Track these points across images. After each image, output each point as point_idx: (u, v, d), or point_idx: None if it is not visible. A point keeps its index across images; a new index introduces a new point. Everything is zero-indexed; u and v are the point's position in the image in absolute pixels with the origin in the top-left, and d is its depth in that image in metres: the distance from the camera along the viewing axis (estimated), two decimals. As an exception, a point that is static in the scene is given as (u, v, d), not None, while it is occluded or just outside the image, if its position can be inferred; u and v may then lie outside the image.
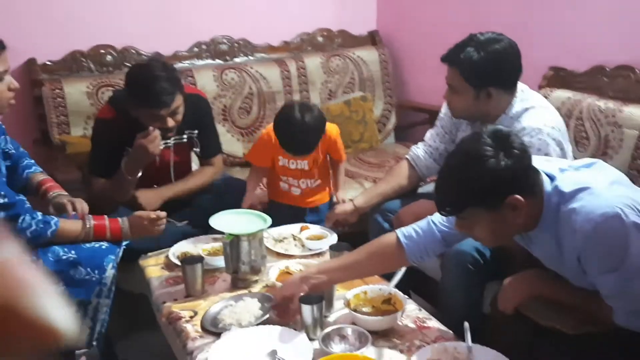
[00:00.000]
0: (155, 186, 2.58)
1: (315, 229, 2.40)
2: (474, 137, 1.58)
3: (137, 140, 2.35)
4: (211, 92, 3.29)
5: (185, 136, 2.63)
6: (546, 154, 2.02)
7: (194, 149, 2.70)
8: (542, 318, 1.68)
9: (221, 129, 3.24)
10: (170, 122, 2.40)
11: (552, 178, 1.58)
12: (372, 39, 3.97)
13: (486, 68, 2.05)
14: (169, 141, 2.57)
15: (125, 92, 2.47)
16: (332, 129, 2.53)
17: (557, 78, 2.80)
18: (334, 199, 2.60)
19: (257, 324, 1.80)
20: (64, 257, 2.02)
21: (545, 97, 2.52)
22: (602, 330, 1.59)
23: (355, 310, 1.81)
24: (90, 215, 2.17)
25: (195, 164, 2.84)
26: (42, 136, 2.91)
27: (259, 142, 2.60)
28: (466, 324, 1.67)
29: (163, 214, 2.24)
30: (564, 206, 1.53)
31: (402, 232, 1.81)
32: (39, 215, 2.05)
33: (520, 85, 2.17)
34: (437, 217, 1.79)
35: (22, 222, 1.98)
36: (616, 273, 1.48)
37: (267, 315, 1.83)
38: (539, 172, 1.57)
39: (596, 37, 2.69)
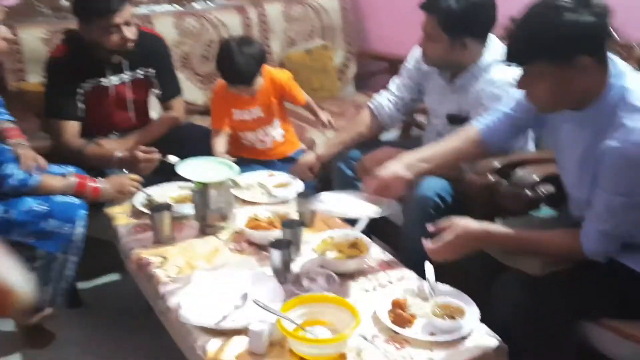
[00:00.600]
0: (114, 132, 2.61)
1: (281, 177, 2.44)
2: None
3: (142, 164, 2.36)
4: (171, 39, 3.25)
5: (141, 72, 2.63)
6: None
7: (153, 89, 2.71)
8: (506, 259, 1.73)
9: (181, 76, 3.20)
10: (127, 32, 2.40)
11: (621, 74, 1.56)
12: (333, -14, 3.94)
13: (464, 18, 2.09)
14: (124, 76, 2.58)
15: (77, 27, 2.46)
16: (280, 74, 2.63)
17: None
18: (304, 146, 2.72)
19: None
20: (36, 209, 2.03)
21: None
22: (565, 269, 1.65)
23: (322, 254, 1.88)
24: (72, 171, 2.18)
25: (154, 112, 2.83)
26: (-2, 83, 2.85)
27: (213, 102, 2.67)
28: (428, 263, 1.76)
29: (140, 179, 2.28)
30: (621, 112, 1.51)
31: (480, 123, 1.95)
32: None
33: (491, 36, 2.21)
34: (509, 108, 1.89)
35: (5, 168, 1.98)
36: (622, 198, 1.52)
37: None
38: (608, 56, 1.55)
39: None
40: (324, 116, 2.70)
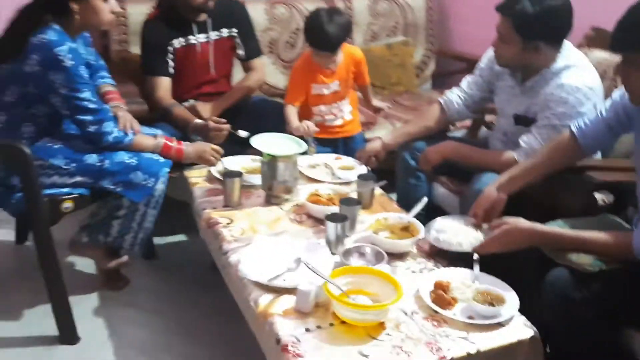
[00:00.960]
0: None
1: (347, 160, 2.59)
2: None
3: (212, 133, 2.57)
4: (260, 24, 3.46)
5: (224, 32, 2.87)
6: (578, 112, 2.13)
7: (237, 51, 2.93)
8: (556, 256, 1.77)
9: (267, 60, 3.42)
10: None
11: None
12: (421, -15, 4.04)
13: (538, 22, 2.12)
14: (209, 35, 2.82)
15: None
16: (358, 51, 2.86)
17: (598, 39, 2.83)
18: (365, 136, 2.87)
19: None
20: (127, 161, 2.25)
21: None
22: (617, 266, 1.68)
23: (374, 233, 2.01)
24: (162, 134, 2.41)
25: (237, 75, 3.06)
26: (103, 51, 3.11)
27: (292, 77, 2.85)
28: (476, 255, 1.85)
29: (221, 150, 2.48)
30: None
31: (575, 126, 2.01)
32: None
33: (566, 43, 2.24)
34: (603, 110, 1.96)
35: (106, 126, 2.22)
36: None
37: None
38: None
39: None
40: (377, 102, 2.91)
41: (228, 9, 2.84)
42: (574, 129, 2.02)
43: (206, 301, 2.49)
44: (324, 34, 2.59)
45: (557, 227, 1.83)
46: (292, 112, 2.73)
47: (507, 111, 2.42)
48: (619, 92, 1.94)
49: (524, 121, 2.31)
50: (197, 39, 2.81)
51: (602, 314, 1.64)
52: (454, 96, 2.60)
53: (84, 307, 2.40)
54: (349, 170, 2.50)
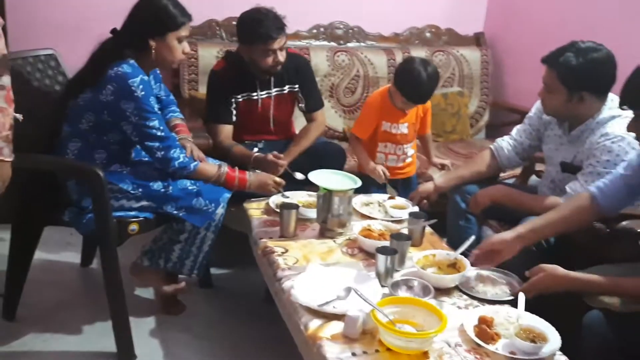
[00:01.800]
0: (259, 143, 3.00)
1: (400, 200, 2.66)
2: None
3: (269, 158, 2.73)
4: (322, 70, 3.65)
5: (286, 88, 2.99)
6: (623, 160, 2.16)
7: (299, 104, 3.06)
8: (589, 299, 1.85)
9: (327, 104, 3.57)
10: (280, 56, 2.78)
11: None
12: (477, 40, 4.18)
13: (582, 74, 2.22)
14: (270, 91, 2.95)
15: (237, 47, 2.88)
16: (428, 102, 2.91)
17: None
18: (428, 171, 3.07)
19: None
20: (190, 188, 2.39)
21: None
22: None
23: (422, 268, 2.07)
24: (225, 164, 2.55)
25: (297, 128, 3.18)
26: (174, 89, 3.32)
27: (365, 110, 2.94)
28: (521, 294, 1.89)
29: (283, 182, 2.61)
30: None
31: (594, 186, 2.06)
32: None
33: (611, 95, 2.31)
34: (621, 167, 2.02)
35: (173, 153, 2.37)
36: None
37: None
38: None
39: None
40: (438, 160, 3.01)
41: (293, 65, 2.94)
42: (593, 189, 2.05)
43: (258, 331, 2.57)
44: (420, 86, 2.68)
45: (591, 274, 1.88)
46: (363, 152, 2.86)
47: (555, 159, 2.48)
48: (637, 151, 2.00)
49: (571, 169, 2.37)
50: (259, 95, 2.95)
51: (636, 352, 1.67)
52: (505, 143, 2.68)
53: (141, 328, 2.51)
54: (401, 209, 2.57)
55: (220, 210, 2.44)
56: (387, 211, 2.56)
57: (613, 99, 2.31)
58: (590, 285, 1.84)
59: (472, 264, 2.10)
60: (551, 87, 2.30)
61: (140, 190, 2.35)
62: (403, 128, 2.88)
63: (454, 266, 2.12)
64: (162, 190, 2.36)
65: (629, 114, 2.25)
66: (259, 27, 2.71)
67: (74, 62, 2.41)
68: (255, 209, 2.58)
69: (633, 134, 2.17)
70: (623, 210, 2.14)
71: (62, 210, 2.38)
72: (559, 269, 1.90)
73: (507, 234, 2.08)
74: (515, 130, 2.69)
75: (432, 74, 2.69)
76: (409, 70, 2.70)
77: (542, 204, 2.34)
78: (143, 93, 2.24)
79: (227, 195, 2.47)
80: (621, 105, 1.73)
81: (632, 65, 1.69)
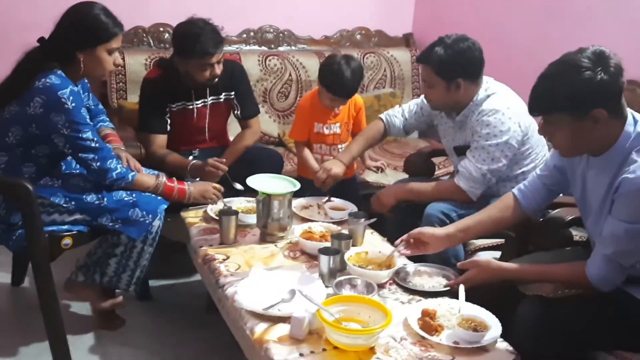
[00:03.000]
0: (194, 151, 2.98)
1: (338, 202, 2.67)
2: (577, 51, 1.70)
3: (208, 168, 2.70)
4: (254, 75, 3.62)
5: (222, 97, 2.96)
6: (501, 131, 2.36)
7: (235, 112, 3.03)
8: (522, 287, 1.94)
9: (261, 109, 3.53)
10: (217, 69, 2.74)
11: (637, 121, 1.74)
12: (407, 40, 4.27)
13: (453, 63, 2.38)
14: (206, 100, 2.91)
15: (171, 55, 2.82)
16: (359, 98, 3.02)
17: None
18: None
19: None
20: (126, 199, 2.33)
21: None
22: (577, 293, 1.82)
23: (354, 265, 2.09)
24: (163, 174, 2.49)
25: (231, 134, 3.16)
26: (102, 99, 3.22)
27: (297, 114, 2.97)
28: (461, 285, 1.94)
29: (222, 188, 2.58)
30: (636, 152, 1.68)
31: (515, 189, 2.15)
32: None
33: (485, 78, 2.49)
34: (538, 169, 2.11)
35: (110, 163, 2.30)
36: (626, 224, 1.67)
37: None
38: (625, 105, 1.73)
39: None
40: (371, 163, 3.07)
41: (228, 71, 2.88)
42: (515, 191, 2.15)
43: (201, 340, 2.53)
44: (343, 81, 2.71)
45: (522, 264, 1.97)
46: (309, 155, 2.89)
47: (450, 148, 2.66)
48: (550, 152, 2.12)
49: (462, 150, 2.53)
50: (195, 104, 2.91)
51: (570, 339, 1.73)
52: (397, 120, 2.85)
53: (80, 345, 2.43)
54: (340, 210, 2.59)
55: (157, 222, 2.38)
56: (327, 213, 2.57)
57: (487, 80, 2.50)
58: (523, 275, 1.93)
59: (395, 245, 2.18)
60: (430, 82, 2.45)
61: (72, 203, 2.27)
62: (335, 128, 2.91)
63: (385, 263, 2.15)
64: (97, 202, 2.29)
65: (502, 90, 2.47)
66: (196, 42, 2.65)
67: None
68: (193, 218, 2.54)
69: (506, 106, 2.38)
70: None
71: (-12, 227, 2.28)
72: (492, 262, 1.98)
73: (438, 231, 2.17)
74: (407, 108, 2.86)
75: (356, 68, 2.75)
76: (331, 64, 2.75)
77: (440, 189, 2.53)
78: (74, 105, 2.16)
79: (164, 206, 2.42)
80: (530, 112, 1.81)
81: (545, 64, 1.78)
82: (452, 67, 2.38)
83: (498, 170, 2.42)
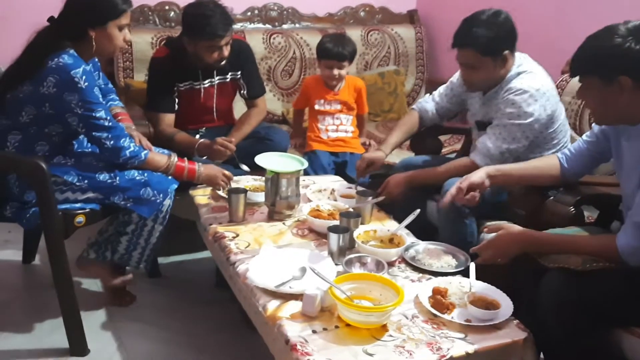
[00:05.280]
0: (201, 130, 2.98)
1: (351, 192, 2.61)
2: (618, 23, 1.74)
3: (216, 146, 2.73)
4: (259, 53, 3.62)
5: (228, 76, 2.97)
6: (525, 112, 2.33)
7: (241, 91, 3.04)
8: (547, 260, 1.84)
9: (265, 88, 3.55)
10: (225, 51, 2.75)
11: None
12: (411, 17, 4.25)
13: (498, 37, 2.33)
14: (213, 80, 2.91)
15: (179, 35, 2.82)
16: (359, 81, 3.24)
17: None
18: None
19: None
20: (138, 178, 2.34)
21: (564, 81, 2.80)
22: (605, 267, 1.78)
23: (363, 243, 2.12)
24: (175, 154, 2.50)
25: (236, 113, 3.18)
26: (109, 78, 3.20)
27: (301, 89, 3.36)
28: (472, 264, 1.96)
29: (232, 176, 2.57)
30: None
31: (560, 152, 2.17)
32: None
33: (519, 54, 2.45)
34: (585, 135, 2.12)
35: (123, 142, 2.31)
36: None
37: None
38: None
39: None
40: (363, 139, 3.25)
41: (235, 51, 2.88)
42: (559, 154, 2.17)
43: (211, 316, 2.57)
44: (340, 43, 3.05)
45: (547, 233, 1.95)
46: (297, 120, 3.36)
47: (473, 122, 2.63)
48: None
49: (484, 126, 2.51)
50: (202, 84, 2.92)
51: (593, 315, 1.73)
52: (428, 105, 2.82)
53: (92, 321, 2.47)
54: (350, 199, 2.52)
55: (167, 201, 2.40)
56: (336, 200, 2.54)
57: (521, 57, 2.46)
58: (549, 242, 1.89)
59: (445, 203, 2.16)
60: (474, 65, 2.39)
61: (85, 182, 2.29)
62: (335, 105, 3.17)
63: (393, 241, 2.18)
64: (109, 181, 2.31)
65: (534, 70, 2.43)
66: (206, 23, 2.65)
67: (7, 53, 2.30)
68: (202, 196, 2.56)
69: (535, 87, 2.34)
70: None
71: (2, 205, 2.30)
72: (516, 227, 1.97)
73: (479, 172, 2.15)
74: (437, 93, 2.82)
75: (348, 38, 3.12)
76: (326, 35, 3.03)
77: (451, 165, 2.50)
78: (87, 84, 2.17)
79: (175, 185, 2.43)
80: (572, 75, 1.84)
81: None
82: (498, 42, 2.33)
83: (516, 151, 2.39)
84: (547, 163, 2.19)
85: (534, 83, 2.36)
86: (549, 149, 2.46)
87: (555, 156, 2.18)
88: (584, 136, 2.14)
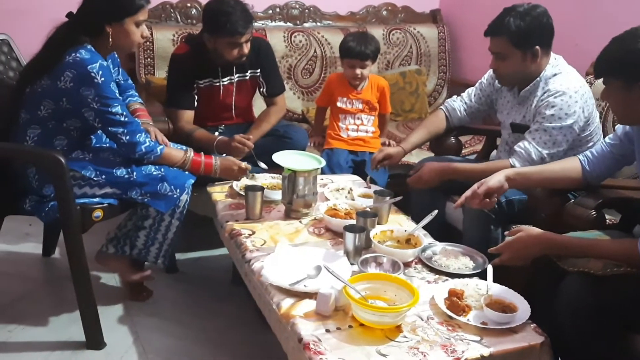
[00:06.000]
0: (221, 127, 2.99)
1: (369, 191, 2.59)
2: None
3: (234, 143, 2.73)
4: (280, 51, 3.62)
5: (248, 74, 2.97)
6: (567, 114, 2.30)
7: (261, 89, 3.04)
8: (567, 264, 1.83)
9: (285, 86, 3.55)
10: (246, 48, 2.75)
11: None
12: (434, 17, 4.23)
13: (531, 31, 2.31)
14: (232, 77, 2.92)
15: (200, 32, 2.84)
16: (382, 80, 3.23)
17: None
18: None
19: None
20: (155, 173, 2.35)
21: (589, 83, 2.76)
22: (626, 272, 1.74)
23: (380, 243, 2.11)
24: (191, 149, 2.51)
25: (256, 110, 3.19)
26: (130, 74, 3.23)
27: (325, 85, 3.33)
28: (490, 266, 1.94)
29: (249, 167, 2.57)
30: None
31: (582, 155, 2.15)
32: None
33: (554, 55, 2.42)
34: (607, 138, 2.10)
35: (139, 137, 2.32)
36: None
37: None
38: None
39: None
40: (384, 139, 3.24)
41: (255, 48, 2.89)
42: (580, 157, 2.13)
43: (227, 312, 2.58)
44: (363, 42, 3.03)
45: (568, 236, 1.91)
46: (318, 118, 3.34)
47: (507, 123, 2.58)
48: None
49: (520, 128, 2.47)
50: (222, 81, 2.93)
51: (612, 320, 1.70)
52: (456, 104, 2.78)
53: (109, 315, 2.49)
54: (368, 198, 2.50)
55: (184, 197, 2.41)
56: (354, 199, 2.51)
57: (555, 57, 2.42)
58: (568, 245, 1.86)
59: (458, 205, 2.14)
60: (504, 54, 2.37)
61: (103, 177, 2.30)
62: (357, 104, 3.13)
63: (409, 241, 2.16)
64: (126, 176, 2.32)
65: (569, 71, 2.40)
66: (226, 20, 2.66)
67: (27, 48, 2.34)
68: (219, 193, 2.57)
69: (574, 89, 2.31)
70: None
71: (21, 199, 2.32)
72: (536, 229, 1.94)
73: (498, 175, 2.10)
74: (466, 94, 2.79)
75: (370, 36, 3.09)
76: (353, 33, 2.97)
77: (494, 167, 2.39)
78: (103, 79, 2.19)
79: (192, 180, 2.44)
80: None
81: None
82: (530, 34, 2.31)
83: (557, 155, 2.34)
84: (568, 166, 2.16)
85: (572, 84, 2.33)
86: (583, 151, 2.36)
87: (577, 158, 2.15)
88: (606, 138, 2.11)
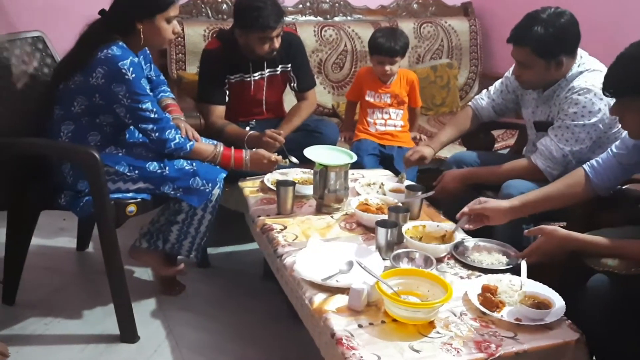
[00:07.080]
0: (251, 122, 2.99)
1: (400, 186, 2.56)
2: None
3: (265, 138, 2.74)
4: (310, 46, 3.61)
5: (279, 69, 2.97)
6: (590, 112, 2.25)
7: (291, 84, 3.04)
8: (592, 262, 1.83)
9: (315, 81, 3.55)
10: (276, 43, 2.76)
11: None
12: (465, 10, 4.18)
13: (556, 41, 2.25)
14: (263, 72, 2.92)
15: (231, 27, 2.85)
16: (411, 74, 3.25)
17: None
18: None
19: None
20: (187, 168, 2.37)
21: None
22: None
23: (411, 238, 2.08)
24: (221, 144, 2.52)
25: (286, 105, 3.18)
26: (161, 69, 3.25)
27: (355, 79, 3.34)
28: (523, 261, 1.91)
29: (280, 158, 2.59)
30: None
31: (587, 164, 2.09)
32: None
33: (580, 52, 2.36)
34: (614, 146, 2.04)
35: (168, 134, 2.34)
36: None
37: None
38: None
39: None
40: (414, 133, 3.24)
41: (285, 43, 2.89)
42: (586, 167, 2.08)
43: (258, 307, 2.59)
44: (393, 40, 3.03)
45: (593, 236, 1.88)
46: (349, 113, 3.38)
47: (531, 122, 2.54)
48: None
49: (544, 126, 2.42)
50: (252, 76, 2.93)
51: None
52: (484, 102, 2.75)
53: (142, 309, 2.52)
54: (400, 193, 2.49)
55: (216, 191, 2.42)
56: (385, 194, 2.50)
57: (582, 55, 2.37)
58: (592, 246, 1.84)
59: (457, 218, 2.13)
60: (527, 64, 2.33)
61: (136, 172, 2.33)
62: (386, 98, 3.15)
63: (442, 237, 2.14)
64: (159, 171, 2.34)
65: (597, 68, 2.34)
66: (258, 15, 2.67)
67: (62, 44, 2.37)
68: (250, 188, 2.58)
69: (599, 86, 2.19)
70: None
71: (57, 194, 2.36)
72: (560, 230, 1.91)
73: (502, 203, 2.09)
74: (492, 89, 2.75)
75: (399, 31, 3.09)
76: (382, 28, 2.96)
77: (510, 166, 2.43)
78: (134, 76, 2.21)
79: (223, 174, 2.45)
80: (603, 91, 1.77)
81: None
82: (555, 45, 2.27)
83: (580, 152, 2.30)
84: (573, 182, 2.09)
85: (597, 81, 2.25)
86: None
87: (582, 170, 2.08)
88: (613, 147, 2.06)
